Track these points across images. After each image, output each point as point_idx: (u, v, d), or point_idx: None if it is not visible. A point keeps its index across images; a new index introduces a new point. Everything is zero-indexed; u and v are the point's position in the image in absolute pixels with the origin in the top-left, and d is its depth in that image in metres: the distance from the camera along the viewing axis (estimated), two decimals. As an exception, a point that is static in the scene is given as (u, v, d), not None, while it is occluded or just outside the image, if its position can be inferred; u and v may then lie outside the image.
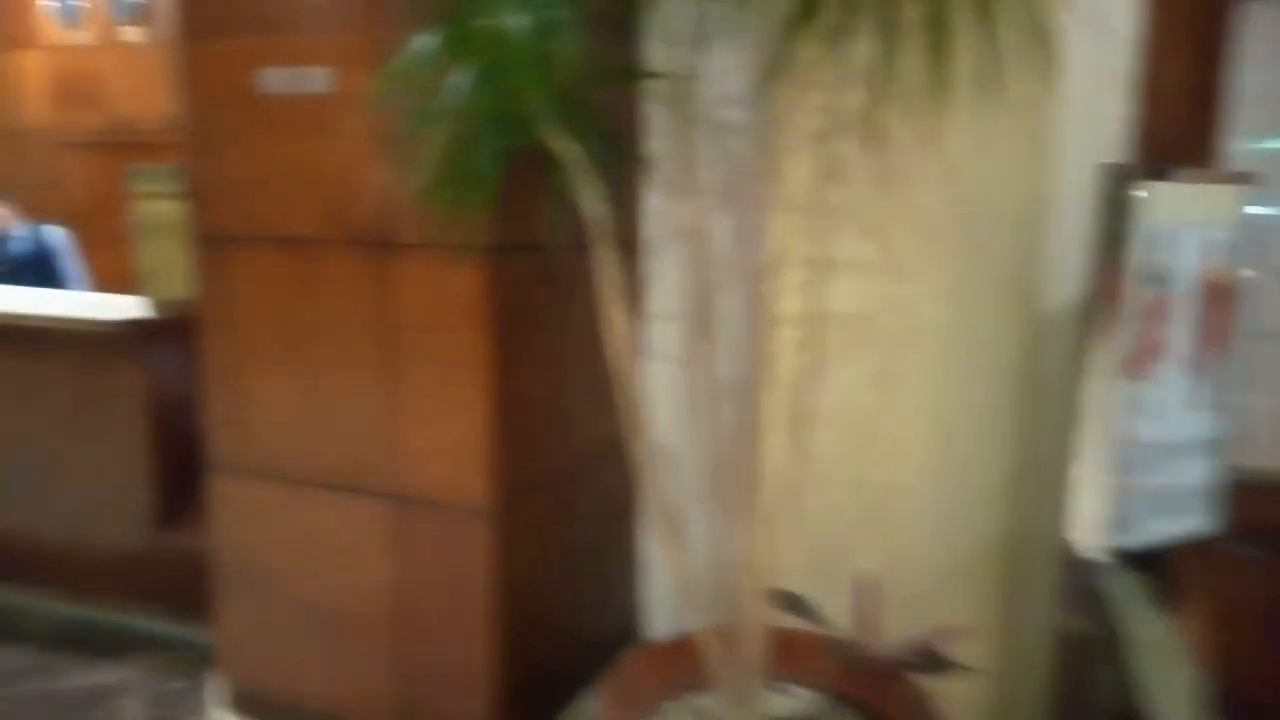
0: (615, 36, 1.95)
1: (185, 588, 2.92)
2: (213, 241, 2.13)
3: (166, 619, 2.94)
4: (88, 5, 5.51)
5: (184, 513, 2.98)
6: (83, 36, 5.59)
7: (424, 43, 1.38)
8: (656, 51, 1.98)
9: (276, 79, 1.98)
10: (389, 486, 2.03)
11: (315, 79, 1.94)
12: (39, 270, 4.66)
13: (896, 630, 1.79)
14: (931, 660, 1.78)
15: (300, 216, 2.02)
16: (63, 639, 2.96)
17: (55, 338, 2.92)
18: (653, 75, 1.67)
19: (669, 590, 2.56)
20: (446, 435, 1.96)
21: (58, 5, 5.55)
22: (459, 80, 1.36)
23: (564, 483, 2.23)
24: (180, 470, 2.99)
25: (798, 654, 1.78)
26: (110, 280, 5.06)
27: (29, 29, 5.65)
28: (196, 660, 2.81)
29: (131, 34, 5.49)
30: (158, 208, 2.04)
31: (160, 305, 2.07)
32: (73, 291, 4.74)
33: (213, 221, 2.12)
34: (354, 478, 2.06)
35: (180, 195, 2.10)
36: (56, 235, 4.80)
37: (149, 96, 5.59)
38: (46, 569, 3.08)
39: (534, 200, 1.86)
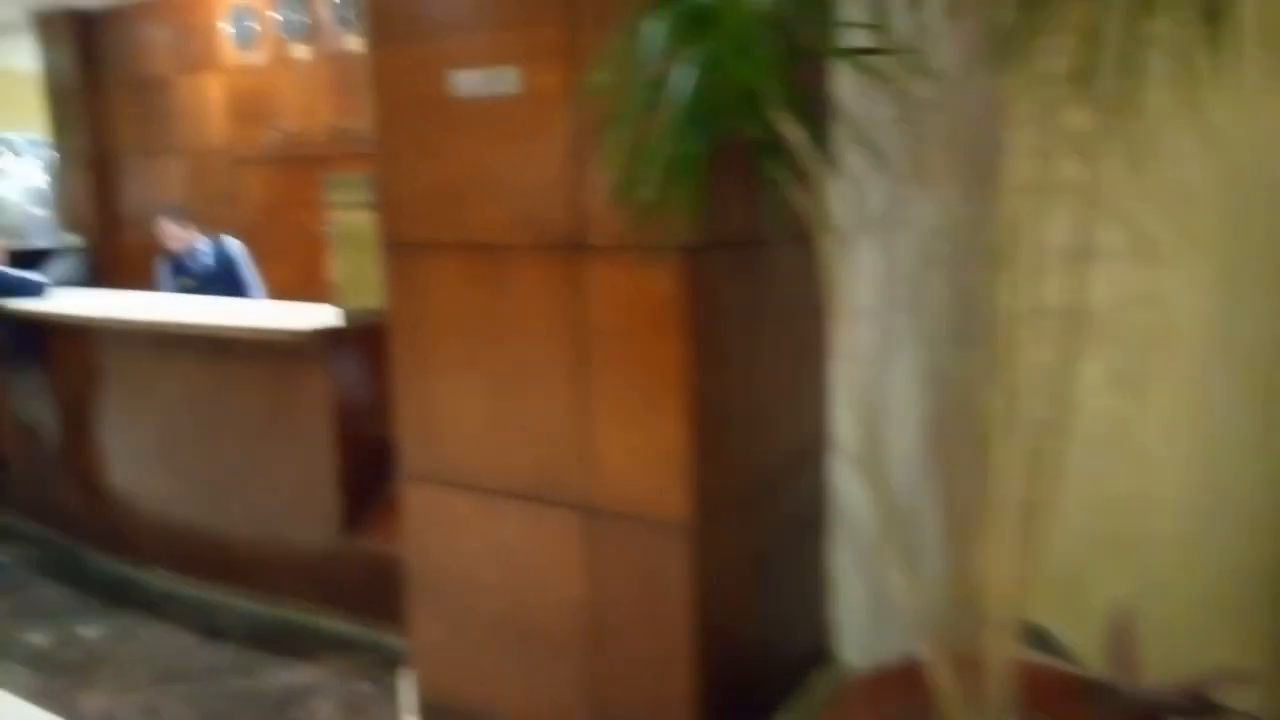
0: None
1: (371, 590, 2.97)
2: (402, 249, 2.11)
3: (353, 621, 3.00)
4: (260, 27, 5.79)
5: (368, 516, 3.03)
6: (256, 57, 5.87)
7: (651, 28, 1.27)
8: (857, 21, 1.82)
9: (466, 82, 1.94)
10: (581, 498, 1.96)
11: (506, 80, 1.88)
12: (224, 281, 4.92)
13: (1155, 670, 1.57)
14: (1202, 707, 1.55)
15: (489, 222, 1.97)
16: (257, 636, 3.07)
17: (249, 347, 3.03)
18: (880, 50, 1.51)
19: (862, 608, 2.39)
20: (641, 445, 1.87)
21: (234, 28, 5.85)
22: (684, 65, 1.24)
23: (759, 493, 2.11)
24: (365, 475, 3.05)
25: (1046, 694, 1.58)
26: (281, 288, 5.31)
27: (211, 52, 5.99)
28: (384, 663, 2.86)
29: (300, 52, 5.73)
30: (351, 218, 2.05)
31: (352, 314, 2.09)
32: (256, 300, 4.99)
33: (401, 229, 2.11)
34: (545, 489, 2.00)
35: (371, 204, 2.10)
36: (234, 246, 5.06)
37: (316, 112, 5.82)
38: (242, 568, 3.20)
39: (732, 194, 1.74)
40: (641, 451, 1.87)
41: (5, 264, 3.74)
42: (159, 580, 3.44)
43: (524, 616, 2.08)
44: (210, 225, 5.23)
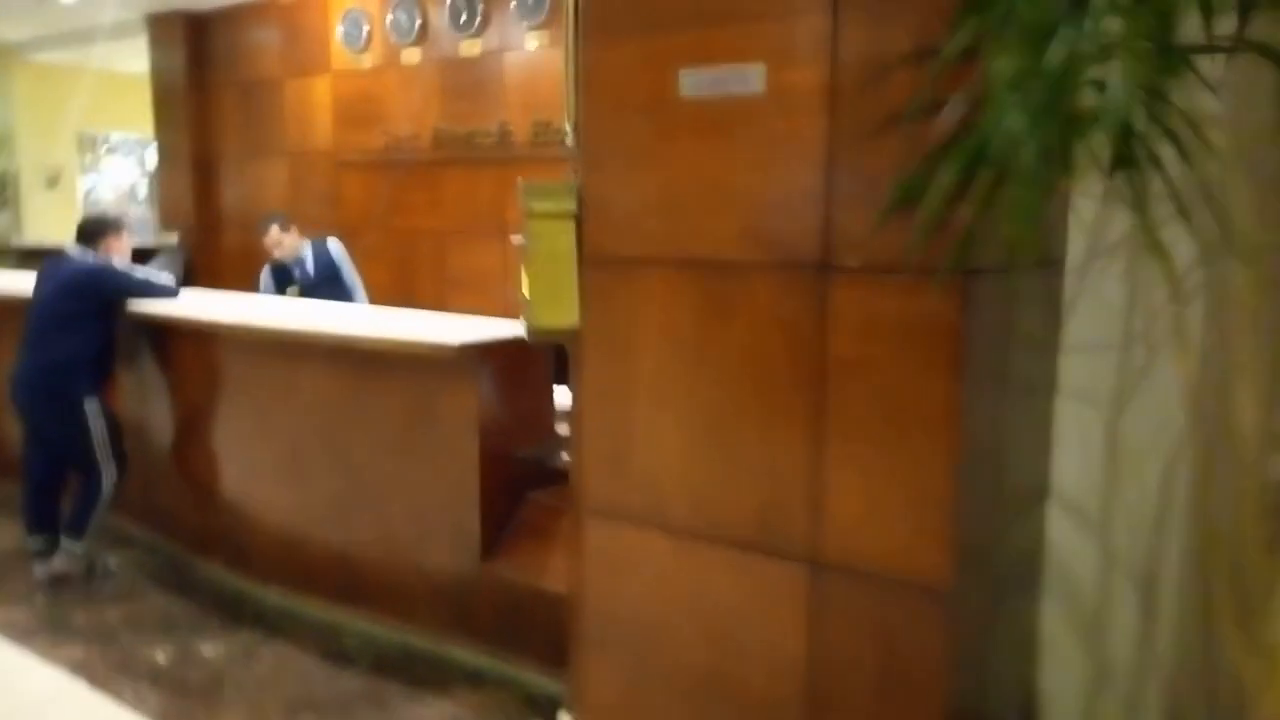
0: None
1: (507, 622, 2.79)
2: (607, 264, 1.93)
3: (486, 653, 2.82)
4: (371, 29, 5.72)
5: (508, 543, 2.86)
6: (365, 60, 5.81)
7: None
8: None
9: (696, 81, 1.75)
10: (807, 549, 1.75)
11: (747, 78, 1.69)
12: (329, 284, 4.83)
13: None
14: None
15: (715, 237, 1.78)
16: (385, 664, 2.90)
17: (388, 359, 2.88)
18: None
19: (1078, 678, 2.14)
20: (884, 493, 1.65)
21: (345, 31, 5.80)
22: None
23: (994, 548, 1.88)
24: (506, 498, 2.88)
25: None
26: (380, 291, 5.21)
27: (320, 55, 5.95)
28: (521, 702, 2.67)
29: (410, 56, 5.64)
30: (548, 228, 1.88)
31: (539, 332, 1.94)
32: (360, 302, 4.88)
33: (608, 243, 1.93)
34: (764, 536, 1.79)
35: (573, 215, 1.92)
36: (337, 248, 4.98)
37: (423, 116, 5.73)
38: (369, 590, 3.05)
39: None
40: (884, 500, 1.65)
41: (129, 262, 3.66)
42: (276, 597, 3.30)
43: (727, 677, 1.87)
44: (311, 227, 5.16)
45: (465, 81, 5.79)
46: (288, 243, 4.85)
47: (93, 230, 3.56)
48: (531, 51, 5.43)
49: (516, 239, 2.07)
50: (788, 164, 1.68)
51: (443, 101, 5.75)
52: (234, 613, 3.25)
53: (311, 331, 3.10)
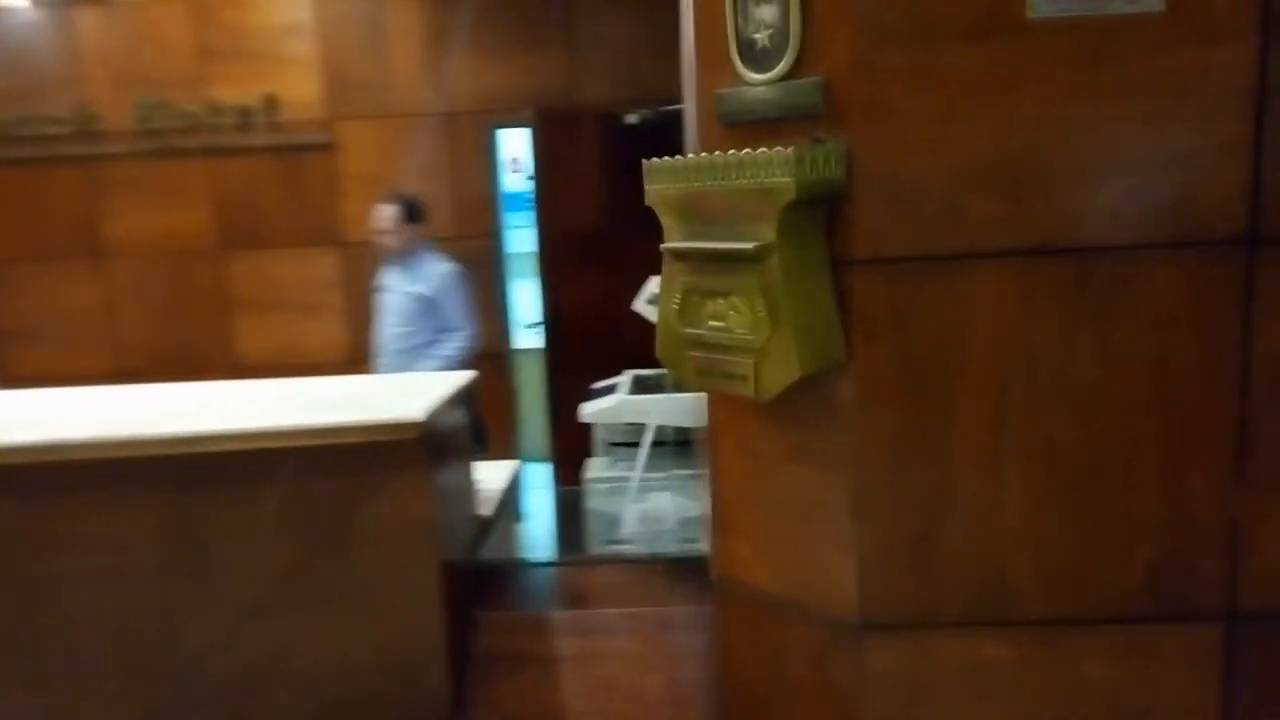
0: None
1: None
2: (897, 266, 1.30)
3: None
4: None
5: (481, 693, 1.98)
6: None
7: None
8: None
9: (1057, -7, 1.23)
10: (1223, 603, 1.37)
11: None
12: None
13: None
14: None
15: (1080, 211, 1.28)
16: None
17: (262, 465, 1.77)
18: None
19: None
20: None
21: None
22: None
23: None
24: (464, 628, 1.99)
25: None
26: None
27: None
28: None
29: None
30: (757, 222, 1.18)
31: (777, 386, 1.23)
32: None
33: (901, 233, 1.30)
34: (1159, 599, 1.36)
35: (811, 197, 1.26)
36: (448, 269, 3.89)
37: None
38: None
39: None
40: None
41: None
42: None
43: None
44: None
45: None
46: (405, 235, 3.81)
47: None
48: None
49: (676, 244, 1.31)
50: (1200, 107, 1.25)
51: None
52: None
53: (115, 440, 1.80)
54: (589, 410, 2.88)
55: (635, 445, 3.13)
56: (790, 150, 1.22)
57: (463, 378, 2.14)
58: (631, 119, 4.76)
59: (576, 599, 2.13)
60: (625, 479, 2.84)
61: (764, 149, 1.25)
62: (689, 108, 1.59)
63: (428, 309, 3.76)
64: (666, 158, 1.39)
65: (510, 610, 2.11)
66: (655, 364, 3.76)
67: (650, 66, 4.62)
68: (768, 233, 1.26)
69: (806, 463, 1.42)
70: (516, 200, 5.33)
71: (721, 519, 1.58)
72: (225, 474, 1.78)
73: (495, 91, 4.73)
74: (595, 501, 2.76)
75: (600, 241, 4.95)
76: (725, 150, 1.32)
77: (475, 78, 4.71)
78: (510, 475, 2.61)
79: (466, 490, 2.22)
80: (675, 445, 3.06)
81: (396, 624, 1.86)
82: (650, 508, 2.34)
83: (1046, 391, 1.33)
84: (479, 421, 2.37)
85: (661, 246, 1.40)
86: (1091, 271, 1.30)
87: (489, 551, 2.25)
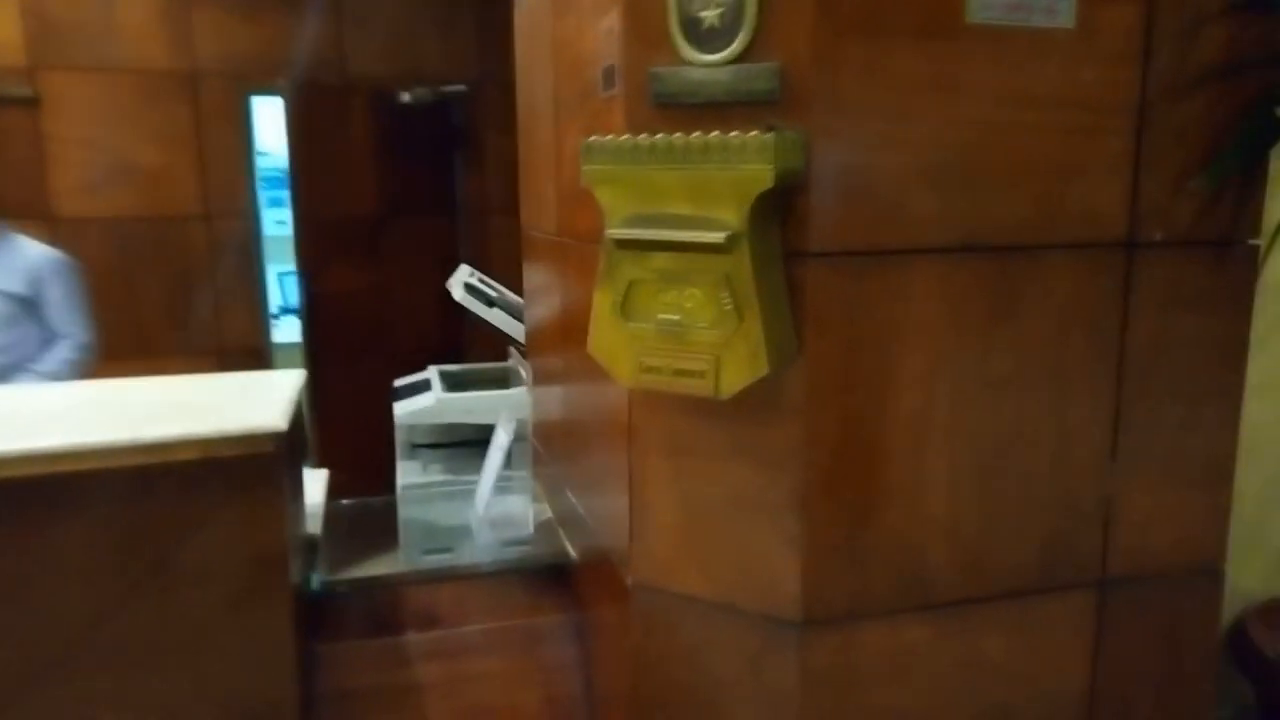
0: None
1: None
2: (848, 260, 1.30)
3: None
4: None
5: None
6: None
7: None
8: None
9: (990, 5, 1.28)
10: (1096, 572, 1.52)
11: (1054, 8, 1.31)
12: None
13: None
14: None
15: (1004, 211, 1.35)
16: None
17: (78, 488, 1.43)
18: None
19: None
20: (1178, 484, 1.54)
21: None
22: None
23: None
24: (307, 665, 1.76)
25: None
26: None
27: None
28: None
29: None
30: (732, 209, 1.12)
31: (732, 388, 1.12)
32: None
33: (854, 228, 1.29)
34: (1044, 575, 1.49)
35: (772, 187, 1.24)
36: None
37: None
38: None
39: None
40: (1172, 490, 1.54)
41: None
42: None
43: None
44: None
45: None
46: None
47: None
48: None
49: (620, 233, 1.23)
50: (1092, 121, 1.37)
51: None
52: None
53: None
54: (404, 410, 2.64)
55: (445, 447, 2.94)
56: (770, 135, 1.17)
57: (295, 374, 1.86)
58: (406, 98, 4.46)
59: (431, 620, 1.93)
60: (447, 483, 2.64)
61: (736, 133, 1.19)
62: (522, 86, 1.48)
63: (25, 312, 2.85)
64: (612, 136, 1.29)
65: (358, 640, 1.88)
66: (454, 358, 3.54)
67: (429, 45, 4.36)
68: (734, 221, 1.20)
69: (744, 460, 1.38)
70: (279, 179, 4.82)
71: (639, 522, 1.50)
72: (18, 502, 1.40)
73: (250, 53, 4.20)
74: (419, 510, 2.54)
75: (371, 227, 4.60)
76: (655, 134, 1.25)
77: (226, 36, 4.15)
78: (325, 486, 2.33)
79: (301, 507, 1.94)
80: (476, 445, 2.90)
81: (240, 678, 1.57)
82: (502, 513, 2.19)
83: (969, 384, 1.39)
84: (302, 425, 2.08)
85: (607, 233, 1.29)
86: (1005, 269, 1.38)
87: (321, 574, 1.98)
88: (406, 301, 4.68)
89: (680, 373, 1.28)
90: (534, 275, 2.34)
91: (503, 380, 2.79)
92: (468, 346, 4.42)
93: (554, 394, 2.12)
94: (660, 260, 1.26)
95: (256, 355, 4.35)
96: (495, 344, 3.44)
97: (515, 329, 2.61)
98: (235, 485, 1.50)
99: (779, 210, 1.27)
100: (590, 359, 1.37)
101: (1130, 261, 1.43)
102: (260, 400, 1.60)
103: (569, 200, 1.80)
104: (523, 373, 2.55)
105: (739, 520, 1.40)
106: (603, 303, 1.32)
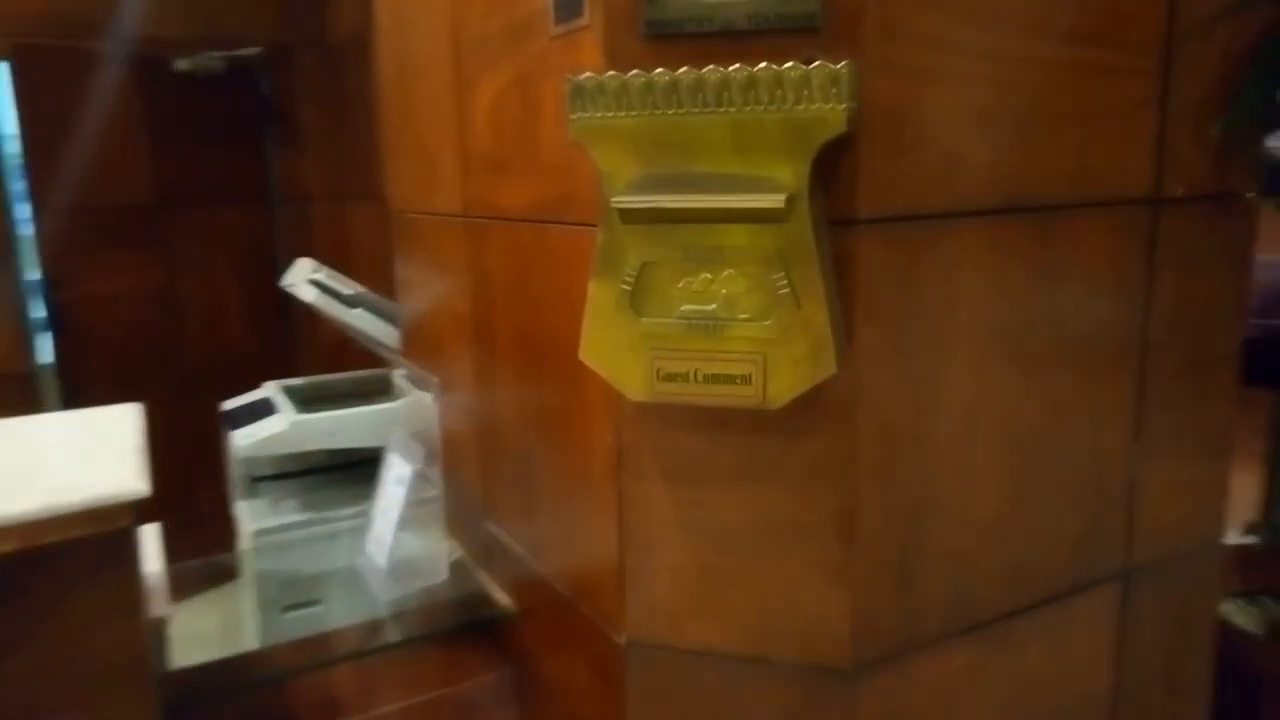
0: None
1: None
2: (898, 227, 1.06)
3: None
4: None
5: None
6: None
7: None
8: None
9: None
10: (1122, 564, 1.38)
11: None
12: None
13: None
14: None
15: (1046, 165, 1.17)
16: None
17: None
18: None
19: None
20: (1191, 460, 1.44)
21: None
22: None
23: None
24: None
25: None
26: None
27: None
28: None
29: None
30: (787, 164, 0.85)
31: (781, 397, 0.81)
32: None
33: (908, 187, 1.05)
34: (1075, 573, 1.34)
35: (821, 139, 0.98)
36: None
37: None
38: None
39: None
40: (1186, 468, 1.44)
41: None
42: None
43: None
44: None
45: None
46: None
47: None
48: None
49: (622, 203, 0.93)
50: (1131, 58, 1.21)
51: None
52: None
53: None
54: (248, 440, 2.16)
55: (293, 477, 2.47)
56: (843, 65, 0.90)
57: (131, 412, 1.38)
58: (183, 65, 3.77)
59: (332, 708, 1.53)
60: (305, 523, 2.19)
61: (792, 63, 0.91)
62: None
63: None
64: (613, 73, 0.97)
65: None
66: (282, 371, 3.00)
67: (223, 3, 3.71)
68: (791, 180, 0.92)
69: (771, 480, 1.12)
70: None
71: (636, 565, 1.20)
72: None
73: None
74: (277, 559, 2.07)
75: (145, 220, 3.88)
76: (649, 71, 0.95)
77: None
78: (160, 548, 1.82)
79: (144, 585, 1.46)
80: (331, 471, 2.47)
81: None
82: (401, 558, 1.78)
83: (1014, 364, 1.20)
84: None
85: (612, 202, 0.97)
86: (1046, 232, 1.19)
87: (176, 664, 1.52)
88: (202, 308, 4.01)
89: (714, 379, 0.99)
90: (416, 266, 1.94)
91: (380, 392, 2.36)
92: (297, 356, 3.85)
93: (464, 405, 1.76)
94: (684, 235, 0.97)
95: (20, 383, 3.55)
96: (338, 352, 2.96)
97: (384, 332, 2.19)
98: (80, 573, 1.05)
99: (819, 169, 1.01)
100: (533, 360, 1.06)
101: (1155, 219, 1.30)
102: (99, 453, 1.14)
103: (488, 170, 1.44)
104: (405, 383, 2.14)
105: (767, 553, 1.14)
106: (602, 295, 1.01)
